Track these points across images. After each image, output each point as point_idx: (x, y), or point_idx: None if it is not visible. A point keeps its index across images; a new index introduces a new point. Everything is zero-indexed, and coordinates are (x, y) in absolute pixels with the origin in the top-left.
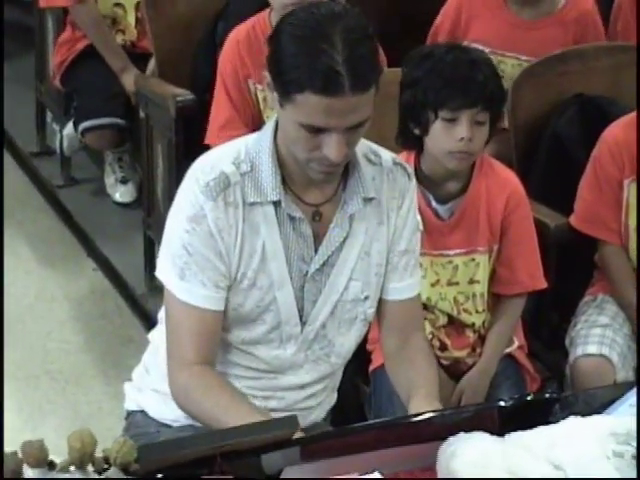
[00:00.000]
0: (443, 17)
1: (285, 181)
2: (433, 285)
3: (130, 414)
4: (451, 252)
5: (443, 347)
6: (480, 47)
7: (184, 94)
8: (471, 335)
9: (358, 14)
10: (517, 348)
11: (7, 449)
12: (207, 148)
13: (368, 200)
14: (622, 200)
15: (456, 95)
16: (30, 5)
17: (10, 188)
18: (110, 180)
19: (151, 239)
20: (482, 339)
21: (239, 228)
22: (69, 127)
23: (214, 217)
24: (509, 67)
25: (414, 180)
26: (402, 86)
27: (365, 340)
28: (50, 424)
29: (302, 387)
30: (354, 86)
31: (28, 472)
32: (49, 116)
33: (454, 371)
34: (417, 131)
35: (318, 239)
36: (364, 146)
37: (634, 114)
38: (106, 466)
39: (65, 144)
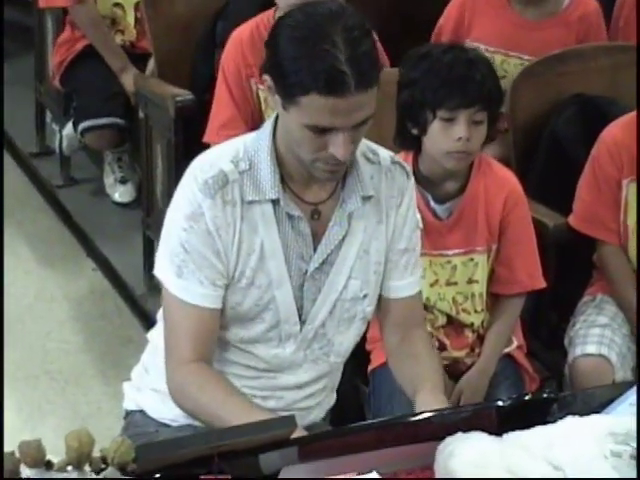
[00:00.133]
0: (446, 17)
1: (284, 180)
2: (432, 285)
3: (129, 414)
4: (450, 252)
5: (442, 347)
6: (483, 46)
7: (183, 94)
8: (470, 335)
9: (356, 12)
10: (516, 348)
11: (6, 449)
12: (206, 148)
13: (367, 198)
14: (621, 200)
15: (454, 95)
16: (29, 5)
17: (10, 188)
18: (109, 180)
19: (150, 239)
20: (481, 339)
21: (237, 226)
22: (68, 127)
23: (212, 215)
24: (512, 67)
25: (412, 178)
26: (400, 86)
27: (364, 340)
28: (49, 424)
29: (301, 387)
30: (359, 84)
31: (25, 472)
32: (48, 116)
33: (453, 371)
34: (415, 131)
35: (317, 238)
36: (362, 145)
37: (633, 114)
38: (104, 466)
39: (64, 144)
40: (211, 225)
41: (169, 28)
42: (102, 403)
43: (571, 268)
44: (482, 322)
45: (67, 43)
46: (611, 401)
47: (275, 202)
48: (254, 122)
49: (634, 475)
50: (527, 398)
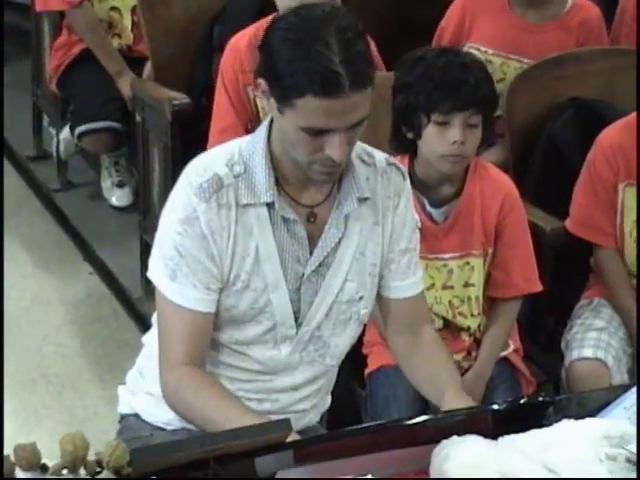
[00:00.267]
0: (447, 19)
1: (279, 183)
2: (428, 289)
3: (124, 417)
4: (446, 256)
5: None
6: (483, 49)
7: (180, 98)
8: (466, 339)
9: (349, 13)
10: (513, 351)
11: (4, 453)
12: (203, 151)
13: (363, 200)
14: (617, 204)
15: (447, 98)
16: (27, 9)
17: (7, 192)
18: (106, 184)
19: (147, 243)
20: (477, 343)
21: (232, 230)
22: (65, 131)
23: (207, 219)
24: (511, 70)
25: (408, 179)
26: (395, 90)
27: (361, 343)
28: (46, 428)
29: (296, 389)
30: (354, 85)
31: (20, 475)
32: (46, 120)
33: None
34: (410, 135)
35: (313, 241)
36: (358, 147)
37: (629, 118)
38: (99, 469)
39: (61, 148)
40: (206, 229)
41: (166, 32)
42: (99, 407)
43: (568, 272)
44: (479, 326)
45: (64, 47)
46: (606, 404)
47: (270, 205)
48: (252, 129)
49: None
50: (523, 401)
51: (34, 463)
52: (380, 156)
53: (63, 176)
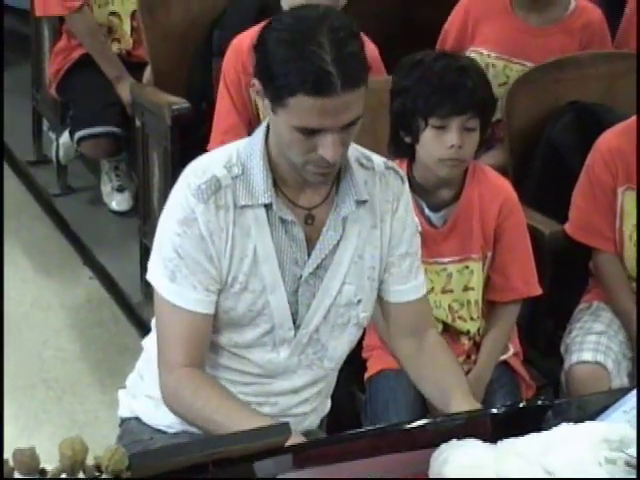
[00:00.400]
0: (450, 23)
1: (277, 184)
2: (428, 293)
3: (124, 421)
4: (445, 260)
5: None
6: (486, 52)
7: (180, 102)
8: (466, 342)
9: (342, 13)
10: (512, 355)
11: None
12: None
13: (361, 203)
14: (616, 208)
15: (445, 102)
16: (26, 14)
17: (7, 196)
18: (106, 189)
19: (147, 247)
20: (477, 346)
21: (230, 231)
22: (65, 136)
23: (205, 220)
24: (514, 73)
25: (407, 183)
26: (392, 94)
27: (360, 348)
28: (46, 433)
29: (295, 392)
30: (345, 84)
31: None
32: (46, 125)
33: None
34: (408, 139)
35: (311, 243)
36: (356, 151)
37: (627, 122)
38: (98, 474)
39: (61, 153)
40: (204, 230)
41: (165, 37)
42: (99, 412)
43: (567, 275)
44: (478, 329)
45: (63, 52)
46: (606, 408)
47: (268, 207)
48: (253, 131)
49: None
50: (522, 405)
51: (33, 467)
52: (379, 160)
53: (63, 181)
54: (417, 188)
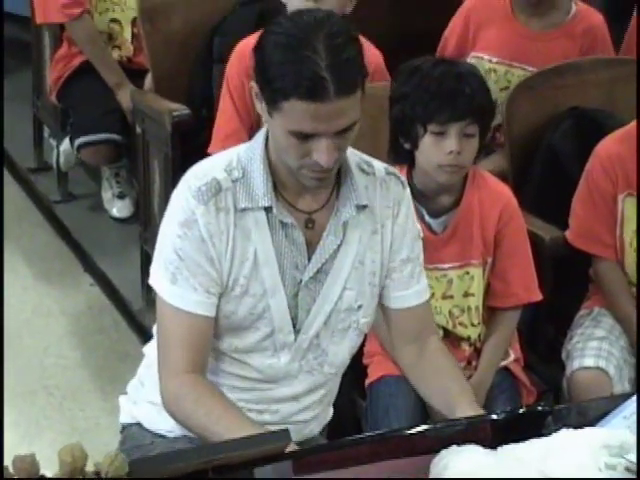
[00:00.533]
0: (451, 29)
1: (277, 188)
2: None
3: (125, 427)
4: (445, 266)
5: None
6: (487, 57)
7: (180, 109)
8: (467, 348)
9: (341, 19)
10: (513, 361)
11: (4, 464)
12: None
13: (361, 208)
14: (617, 214)
15: (443, 108)
16: (27, 21)
17: (7, 203)
18: (107, 195)
19: (148, 254)
20: (478, 352)
21: (230, 234)
22: (66, 143)
23: (205, 222)
24: (515, 78)
25: (408, 188)
26: (391, 101)
27: (361, 354)
28: (47, 439)
29: (296, 398)
30: (339, 90)
31: None
32: (46, 132)
33: None
34: (407, 145)
35: (311, 247)
36: (356, 157)
37: (627, 128)
38: None
39: (62, 160)
40: (204, 232)
41: (166, 44)
42: (100, 418)
43: (567, 281)
44: (479, 335)
45: (64, 59)
46: (606, 414)
47: (268, 210)
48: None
49: None
50: (522, 411)
51: (33, 474)
52: (379, 165)
53: (64, 188)
54: (417, 194)
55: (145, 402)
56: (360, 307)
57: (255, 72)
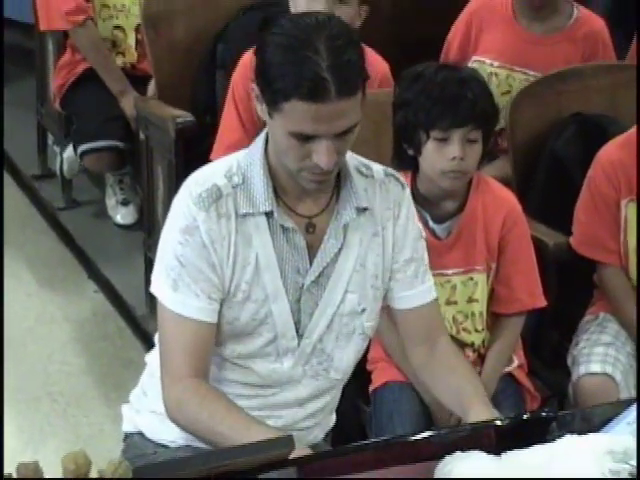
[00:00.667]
0: (454, 33)
1: (277, 193)
2: None
3: (128, 436)
4: (449, 271)
5: None
6: (489, 61)
7: (184, 116)
8: (470, 354)
9: (342, 21)
10: (517, 367)
11: (8, 471)
12: None
13: (361, 210)
14: (620, 220)
15: (446, 114)
16: (31, 28)
17: (11, 210)
18: (111, 202)
19: (152, 260)
20: (482, 358)
21: (232, 239)
22: (69, 150)
23: (207, 228)
24: (517, 82)
25: (408, 189)
26: (395, 107)
27: (365, 360)
28: (51, 446)
29: (300, 404)
30: (340, 91)
31: None
32: (50, 139)
33: None
34: (411, 151)
35: (313, 251)
36: (355, 160)
37: (628, 133)
38: None
39: (65, 167)
40: (206, 238)
41: (169, 50)
42: (104, 425)
43: (572, 287)
44: (483, 341)
45: (68, 66)
46: (610, 420)
47: (269, 215)
48: None
49: None
50: (526, 417)
51: None
52: (378, 168)
53: (68, 194)
54: (421, 200)
55: (148, 411)
56: (364, 310)
57: (256, 73)
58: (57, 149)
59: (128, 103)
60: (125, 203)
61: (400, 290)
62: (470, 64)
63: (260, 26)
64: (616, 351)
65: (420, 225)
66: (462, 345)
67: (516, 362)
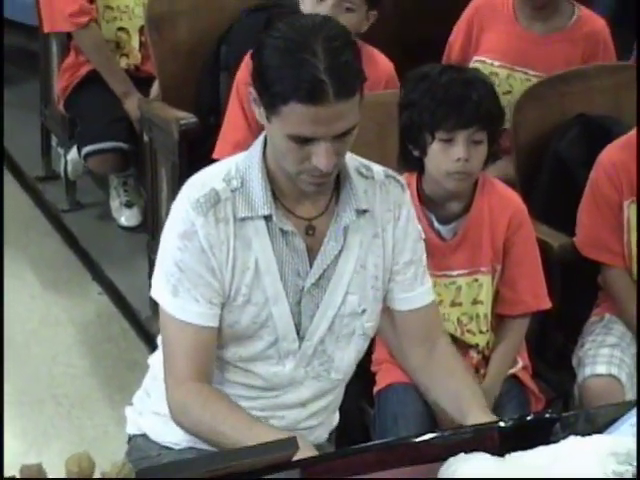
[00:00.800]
0: (455, 34)
1: (276, 196)
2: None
3: (132, 438)
4: (454, 273)
5: None
6: (489, 61)
7: (187, 117)
8: (475, 356)
9: (339, 23)
10: (521, 369)
11: (12, 473)
12: None
13: (361, 212)
14: (623, 221)
15: (450, 115)
16: (35, 30)
17: (15, 212)
18: (115, 204)
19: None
20: (486, 360)
21: (230, 244)
22: (73, 152)
23: (205, 233)
24: (518, 82)
25: (408, 191)
26: (400, 108)
27: (369, 361)
28: (55, 448)
29: (303, 405)
30: (338, 93)
31: None
32: (54, 140)
33: None
34: (416, 153)
35: (312, 253)
36: (355, 161)
37: (630, 135)
38: None
39: (69, 168)
40: (205, 243)
41: (173, 52)
42: (108, 427)
43: (576, 288)
44: (487, 343)
45: (71, 68)
46: (614, 421)
47: (268, 218)
48: None
49: None
50: (529, 418)
51: None
52: (378, 169)
53: (72, 196)
54: (426, 201)
55: (151, 413)
56: (364, 311)
57: (253, 77)
58: (61, 151)
59: (132, 105)
60: (129, 205)
61: (400, 292)
62: (471, 64)
63: (263, 28)
64: (622, 352)
65: (425, 226)
66: (466, 347)
67: (520, 364)
